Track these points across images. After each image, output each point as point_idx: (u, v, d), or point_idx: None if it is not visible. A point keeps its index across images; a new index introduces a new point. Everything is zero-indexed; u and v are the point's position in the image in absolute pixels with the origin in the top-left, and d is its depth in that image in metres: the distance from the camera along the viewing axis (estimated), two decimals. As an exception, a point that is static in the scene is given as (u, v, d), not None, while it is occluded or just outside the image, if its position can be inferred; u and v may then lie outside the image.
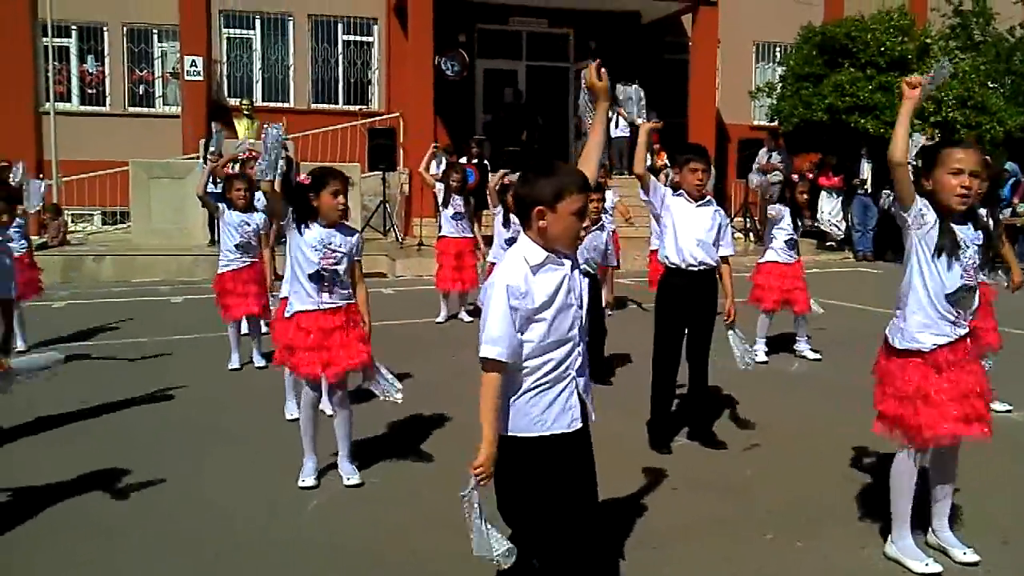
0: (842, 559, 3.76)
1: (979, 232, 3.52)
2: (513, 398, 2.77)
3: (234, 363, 7.17)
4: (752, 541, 3.95)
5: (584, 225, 2.78)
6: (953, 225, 3.46)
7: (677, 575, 3.62)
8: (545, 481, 2.80)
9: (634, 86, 17.53)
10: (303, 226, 4.45)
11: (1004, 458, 4.94)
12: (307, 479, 4.57)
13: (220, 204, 7.09)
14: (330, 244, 4.46)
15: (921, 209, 3.45)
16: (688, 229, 5.16)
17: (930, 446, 3.53)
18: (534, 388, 2.76)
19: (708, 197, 5.23)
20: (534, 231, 2.76)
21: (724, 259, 5.26)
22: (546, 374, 2.76)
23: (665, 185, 5.57)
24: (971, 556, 3.65)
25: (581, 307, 2.84)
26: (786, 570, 3.68)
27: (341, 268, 4.53)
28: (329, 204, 4.42)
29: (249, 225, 6.97)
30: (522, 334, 2.72)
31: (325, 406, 4.98)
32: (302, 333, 4.48)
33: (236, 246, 6.96)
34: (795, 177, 7.80)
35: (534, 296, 2.71)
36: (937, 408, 3.45)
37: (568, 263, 2.82)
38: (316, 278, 4.47)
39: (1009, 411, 5.88)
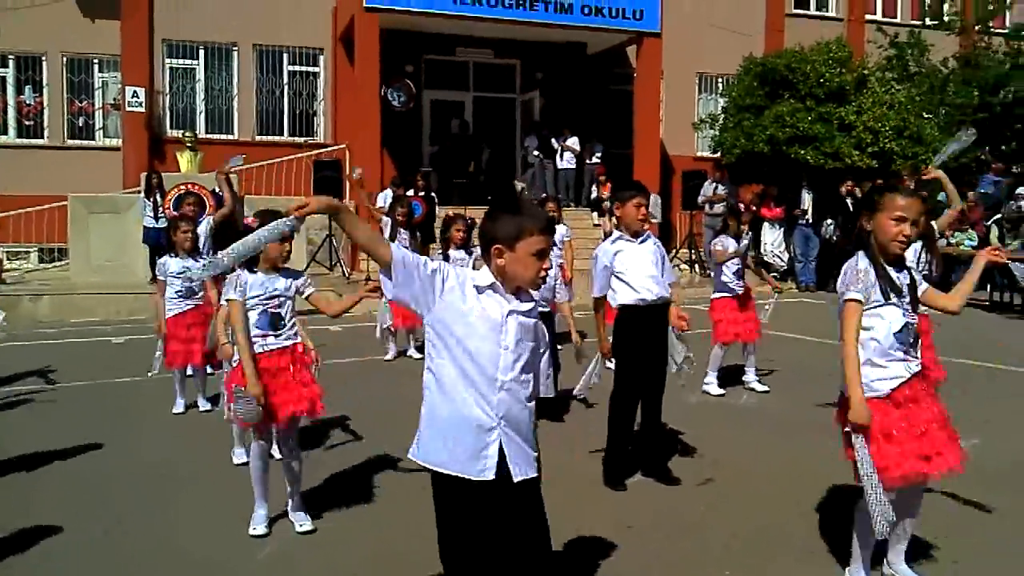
0: (799, 597, 3.77)
1: (905, 272, 3.62)
2: (426, 418, 2.81)
3: (179, 407, 7.00)
4: (710, 580, 3.94)
5: (545, 267, 2.77)
6: (887, 268, 3.56)
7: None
8: (446, 522, 2.80)
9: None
10: (250, 272, 4.37)
11: (952, 484, 5.02)
12: (258, 527, 4.44)
13: (160, 263, 6.89)
14: (274, 289, 4.42)
15: (868, 274, 3.53)
16: (639, 268, 5.19)
17: (899, 485, 3.51)
18: (438, 413, 2.77)
19: (647, 231, 5.28)
20: (493, 269, 2.75)
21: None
22: (455, 408, 2.74)
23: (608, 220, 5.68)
24: None
25: (522, 357, 2.77)
26: (744, 610, 3.66)
27: (284, 311, 4.47)
28: (275, 249, 4.34)
29: (188, 271, 6.79)
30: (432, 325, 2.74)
31: (274, 450, 4.86)
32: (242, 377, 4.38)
33: (177, 292, 6.82)
34: (741, 206, 7.96)
35: (460, 300, 2.72)
36: (900, 446, 3.47)
37: (526, 306, 2.79)
38: (261, 320, 4.39)
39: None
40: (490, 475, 2.73)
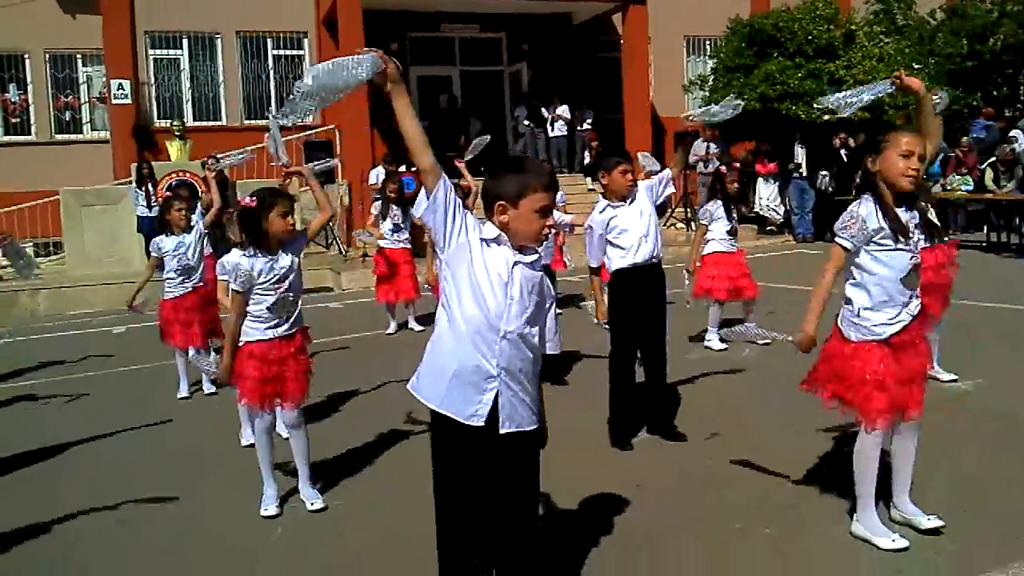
0: (811, 542, 3.79)
1: (915, 213, 3.61)
2: (430, 354, 2.85)
3: (183, 391, 7.01)
4: (721, 532, 3.95)
5: (548, 223, 2.76)
6: (896, 210, 3.54)
7: (647, 573, 3.60)
8: (438, 460, 2.83)
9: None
10: (253, 257, 4.32)
11: (956, 426, 5.04)
12: (270, 508, 4.43)
13: (156, 242, 6.88)
14: (281, 268, 4.37)
15: (866, 222, 3.52)
16: (632, 230, 5.19)
17: (884, 428, 3.61)
18: (442, 351, 2.79)
19: (633, 191, 5.26)
20: (496, 224, 2.75)
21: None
22: (458, 350, 2.75)
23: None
24: (935, 522, 3.73)
25: (528, 309, 2.77)
26: (758, 558, 3.69)
27: (293, 292, 4.43)
28: (280, 225, 4.32)
29: (185, 245, 6.79)
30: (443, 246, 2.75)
31: (281, 428, 4.87)
32: (253, 363, 4.37)
33: (176, 271, 6.80)
34: (723, 169, 7.91)
35: (468, 249, 2.73)
36: (887, 393, 3.54)
37: (531, 258, 2.80)
38: (274, 307, 4.37)
39: (954, 380, 5.98)
40: (479, 422, 2.75)
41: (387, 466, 5.09)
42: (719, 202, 7.63)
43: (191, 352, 6.69)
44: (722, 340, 7.55)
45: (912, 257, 3.56)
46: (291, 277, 4.43)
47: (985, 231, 14.07)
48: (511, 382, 2.77)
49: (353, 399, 6.56)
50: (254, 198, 4.32)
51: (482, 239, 2.74)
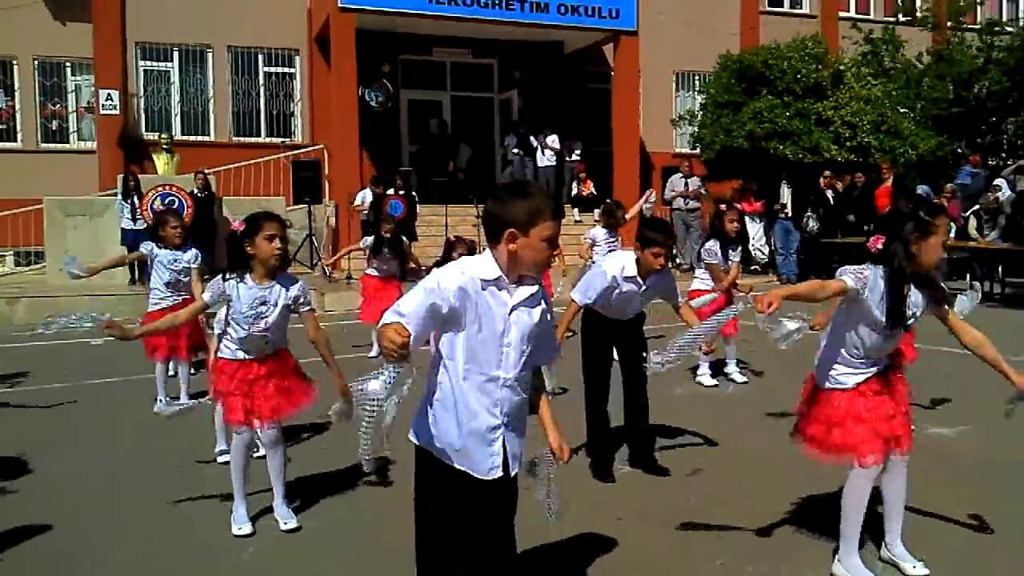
0: (793, 583, 3.75)
1: (920, 294, 3.58)
2: (428, 400, 2.78)
3: (160, 405, 6.90)
4: (703, 569, 3.91)
5: (554, 253, 2.74)
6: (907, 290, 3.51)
7: (630, 608, 3.55)
8: (430, 505, 2.81)
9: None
10: (238, 282, 4.23)
11: (941, 473, 5.03)
12: (243, 527, 4.34)
13: (150, 244, 6.84)
14: (265, 303, 4.25)
15: (872, 281, 3.49)
16: (628, 303, 5.18)
17: (871, 464, 3.59)
18: (446, 409, 2.74)
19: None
20: (502, 252, 2.66)
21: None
22: (462, 405, 2.71)
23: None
24: (920, 569, 3.72)
25: (525, 353, 2.74)
26: (738, 597, 3.64)
27: (272, 333, 4.31)
28: (265, 250, 4.19)
29: (179, 262, 6.74)
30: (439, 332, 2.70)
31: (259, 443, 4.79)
32: (225, 378, 4.31)
33: (167, 284, 6.74)
34: (723, 207, 7.81)
35: (463, 309, 2.65)
36: (868, 426, 3.55)
37: (530, 291, 2.73)
38: (245, 341, 4.29)
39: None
40: (497, 473, 2.75)
41: (364, 489, 5.01)
42: (717, 242, 7.57)
43: (161, 405, 6.60)
44: (712, 376, 7.55)
45: (895, 338, 3.58)
46: (272, 317, 4.26)
47: (968, 279, 14.16)
48: (513, 425, 2.78)
49: (332, 421, 6.46)
50: (241, 222, 4.24)
51: (482, 279, 2.66)
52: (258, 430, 4.39)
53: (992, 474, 5.13)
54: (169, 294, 6.74)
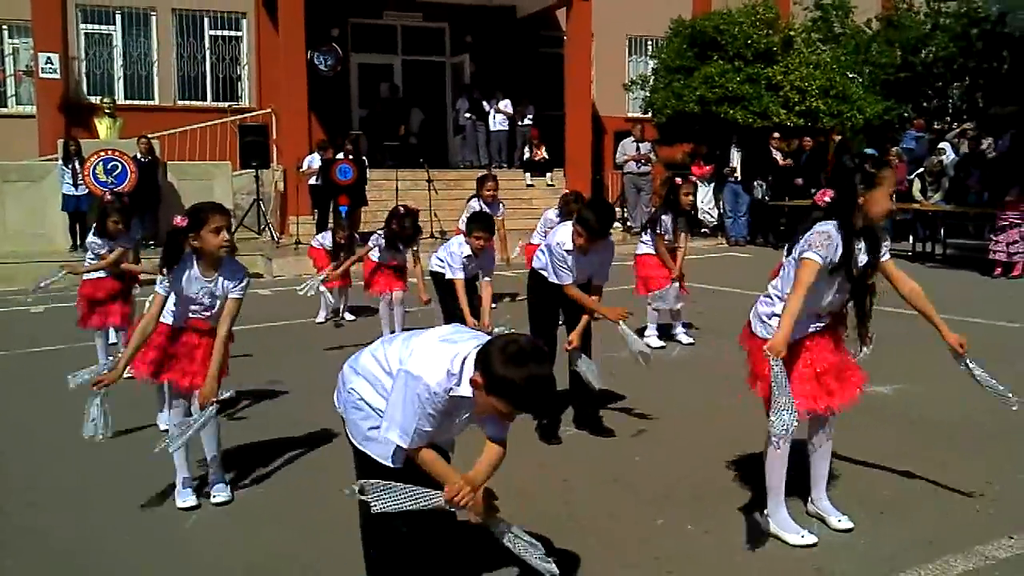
0: (729, 538, 3.81)
1: (868, 255, 3.61)
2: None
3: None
4: (644, 527, 3.96)
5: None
6: (855, 244, 3.54)
7: (570, 568, 3.58)
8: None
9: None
10: (180, 277, 4.10)
11: (879, 431, 5.13)
12: (187, 499, 4.27)
13: (91, 240, 6.68)
14: (211, 295, 4.15)
15: (832, 246, 3.50)
16: (577, 270, 5.20)
17: (801, 419, 3.60)
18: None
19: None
20: (481, 395, 2.69)
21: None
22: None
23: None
24: (845, 523, 3.82)
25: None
26: (678, 554, 3.69)
27: (212, 321, 4.22)
28: (213, 243, 4.04)
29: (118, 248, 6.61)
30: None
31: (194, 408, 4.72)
32: (164, 342, 4.23)
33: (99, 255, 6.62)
34: (679, 180, 7.78)
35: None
36: (801, 384, 3.60)
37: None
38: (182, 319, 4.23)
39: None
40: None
41: (305, 459, 4.98)
42: (670, 214, 7.56)
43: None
44: (659, 337, 7.61)
45: (842, 292, 3.61)
46: (216, 308, 4.19)
47: (911, 241, 14.41)
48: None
49: (278, 389, 6.41)
50: (184, 217, 4.07)
51: (461, 396, 2.74)
52: (194, 400, 4.33)
53: (925, 430, 5.24)
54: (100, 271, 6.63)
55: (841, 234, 3.49)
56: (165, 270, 4.08)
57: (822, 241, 3.46)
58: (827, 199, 3.59)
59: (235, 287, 4.18)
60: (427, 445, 2.85)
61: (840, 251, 3.49)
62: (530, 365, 2.59)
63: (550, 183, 17.21)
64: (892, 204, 3.55)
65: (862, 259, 3.59)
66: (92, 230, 6.72)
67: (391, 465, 2.88)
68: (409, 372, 2.73)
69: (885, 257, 3.68)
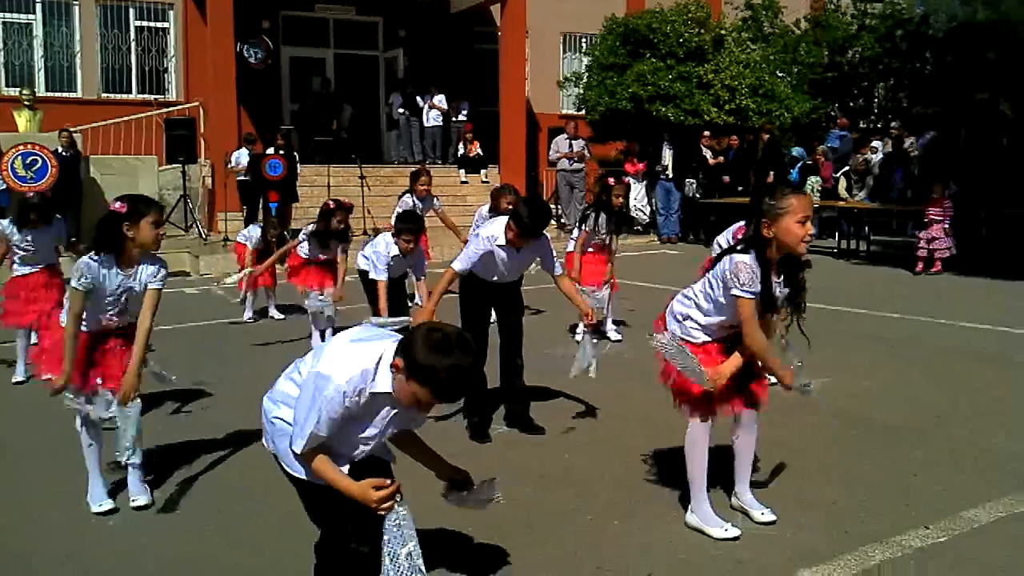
0: (655, 532, 3.84)
1: (787, 288, 3.64)
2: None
3: (20, 375, 6.57)
4: (572, 524, 3.97)
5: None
6: (774, 280, 3.57)
7: (496, 566, 3.57)
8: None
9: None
10: (108, 268, 3.97)
11: (802, 425, 5.21)
12: (103, 503, 4.15)
13: (6, 224, 6.50)
14: (129, 289, 4.05)
15: (755, 277, 3.52)
16: (504, 267, 5.20)
17: (708, 417, 3.75)
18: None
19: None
20: (397, 386, 2.64)
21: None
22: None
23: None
24: (768, 516, 3.89)
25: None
26: (605, 550, 3.71)
27: (130, 316, 4.13)
28: (150, 236, 3.96)
29: (40, 240, 6.44)
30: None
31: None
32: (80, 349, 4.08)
33: (21, 259, 6.49)
34: (611, 180, 7.79)
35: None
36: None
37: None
38: (93, 323, 4.09)
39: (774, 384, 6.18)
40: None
41: (228, 462, 4.87)
42: (602, 213, 7.55)
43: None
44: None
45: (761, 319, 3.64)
46: (133, 302, 4.09)
47: (836, 238, 14.72)
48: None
49: (203, 389, 6.27)
50: (124, 204, 3.96)
51: (372, 393, 2.67)
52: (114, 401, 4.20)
53: (846, 424, 5.34)
54: (26, 264, 6.49)
55: (759, 267, 3.52)
56: (96, 253, 3.96)
57: (748, 278, 3.49)
58: (740, 236, 3.65)
59: (154, 277, 4.09)
60: (366, 458, 2.84)
61: (758, 283, 3.51)
62: (454, 355, 2.56)
63: (485, 180, 17.17)
64: (806, 230, 3.49)
65: (782, 291, 3.63)
66: (9, 220, 6.53)
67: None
68: (319, 372, 2.67)
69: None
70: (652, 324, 3.96)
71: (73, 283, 3.99)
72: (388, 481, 2.75)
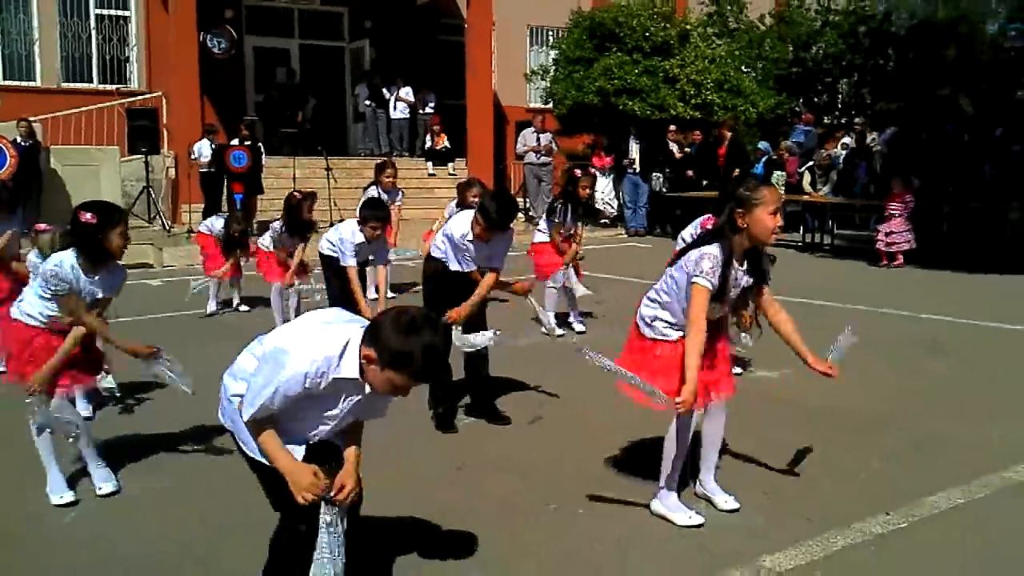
0: (620, 520, 3.86)
1: (749, 276, 3.68)
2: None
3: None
4: (538, 513, 3.97)
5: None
6: (734, 268, 3.60)
7: (464, 554, 3.56)
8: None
9: None
10: (81, 274, 3.97)
11: (765, 415, 5.26)
12: (64, 495, 4.08)
13: None
14: (94, 296, 4.04)
15: (716, 268, 3.54)
16: (474, 255, 5.21)
17: (700, 408, 3.76)
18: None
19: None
20: (375, 371, 2.62)
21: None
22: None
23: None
24: (731, 503, 3.93)
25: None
26: (570, 538, 3.72)
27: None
28: (118, 245, 3.96)
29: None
30: None
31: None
32: (19, 344, 4.09)
33: None
34: (578, 172, 7.83)
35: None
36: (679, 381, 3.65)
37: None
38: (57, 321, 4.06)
39: (739, 373, 6.23)
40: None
41: (197, 450, 4.83)
42: (569, 204, 7.61)
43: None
44: (558, 326, 7.64)
45: (719, 308, 3.67)
46: (91, 308, 4.08)
47: (801, 231, 14.86)
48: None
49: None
50: (93, 213, 3.92)
51: (336, 378, 2.65)
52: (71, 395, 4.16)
53: (807, 414, 5.40)
54: None
55: (722, 258, 3.54)
56: (90, 274, 3.99)
57: (710, 267, 3.52)
58: (709, 227, 3.66)
59: (116, 286, 4.17)
60: (320, 440, 2.84)
61: (719, 274, 3.54)
62: (424, 333, 2.57)
63: (452, 173, 17.13)
64: (776, 222, 3.55)
65: (745, 280, 3.67)
66: None
67: None
68: (281, 348, 2.66)
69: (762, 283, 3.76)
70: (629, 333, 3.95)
71: (48, 289, 3.97)
72: (324, 477, 2.73)
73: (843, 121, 19.09)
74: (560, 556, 3.57)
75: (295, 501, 2.73)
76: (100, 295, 4.07)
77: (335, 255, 6.33)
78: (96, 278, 4.02)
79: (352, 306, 5.60)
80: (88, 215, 3.90)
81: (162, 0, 16.31)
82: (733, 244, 3.57)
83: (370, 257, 6.58)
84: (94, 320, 4.00)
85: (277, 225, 7.80)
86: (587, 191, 7.72)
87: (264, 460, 2.79)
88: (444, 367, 2.71)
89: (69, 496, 4.09)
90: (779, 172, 15.31)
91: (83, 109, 15.74)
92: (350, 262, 6.17)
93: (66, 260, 3.97)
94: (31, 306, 4.11)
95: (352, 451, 2.90)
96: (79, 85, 16.98)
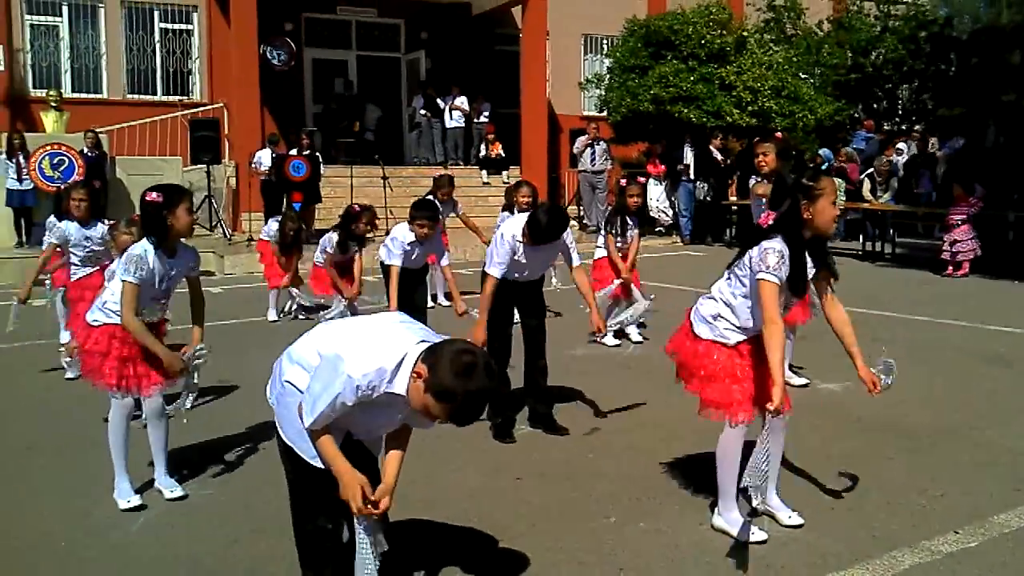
0: (682, 536, 3.83)
1: (815, 263, 3.64)
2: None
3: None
4: (597, 526, 3.96)
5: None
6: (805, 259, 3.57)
7: (523, 566, 3.57)
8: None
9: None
10: (154, 255, 4.08)
11: (829, 429, 5.19)
12: (131, 499, 4.18)
13: (55, 224, 6.54)
14: (170, 276, 4.17)
15: (783, 262, 3.51)
16: (527, 262, 5.21)
17: (748, 421, 3.71)
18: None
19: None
20: (418, 388, 2.63)
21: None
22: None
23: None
24: (795, 519, 3.87)
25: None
26: (631, 552, 3.69)
27: (164, 301, 4.28)
28: (185, 221, 4.08)
29: (90, 240, 6.43)
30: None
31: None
32: (116, 343, 4.15)
33: (82, 260, 6.45)
34: (623, 182, 7.80)
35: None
36: (742, 386, 3.66)
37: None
38: (142, 310, 4.16)
39: (806, 384, 6.16)
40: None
41: (254, 457, 4.91)
42: (619, 217, 7.59)
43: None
44: (615, 336, 7.62)
45: (788, 305, 3.64)
46: (172, 288, 4.25)
47: (861, 240, 14.63)
48: None
49: (228, 387, 6.32)
50: (159, 193, 4.05)
51: (388, 392, 2.69)
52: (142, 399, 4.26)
53: (872, 428, 5.30)
54: (83, 267, 6.47)
55: (789, 250, 3.51)
56: (152, 246, 4.08)
57: (776, 261, 3.48)
58: (771, 222, 3.61)
59: (193, 264, 4.32)
60: (358, 444, 2.92)
61: (788, 268, 3.50)
62: (476, 380, 2.57)
63: (506, 181, 17.18)
64: (837, 210, 3.59)
65: (811, 271, 3.63)
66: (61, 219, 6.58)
67: (318, 465, 2.86)
68: (340, 356, 2.68)
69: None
70: (676, 333, 3.95)
71: (126, 277, 4.05)
72: (373, 495, 2.76)
73: (903, 128, 18.77)
74: (617, 569, 3.55)
75: (321, 496, 2.84)
76: (175, 276, 4.20)
77: (384, 256, 6.44)
78: (170, 260, 4.15)
79: (409, 310, 5.64)
80: (154, 194, 4.05)
81: (224, 14, 16.64)
82: (798, 239, 3.53)
83: (428, 262, 6.65)
84: (135, 322, 4.06)
85: (333, 236, 7.89)
86: (635, 199, 7.68)
87: (294, 447, 2.89)
88: (478, 416, 2.72)
89: (136, 500, 4.19)
90: (839, 180, 15.10)
91: (147, 120, 16.12)
92: (395, 261, 6.23)
93: (145, 245, 4.09)
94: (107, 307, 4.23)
95: (394, 463, 2.91)
96: (144, 97, 17.41)
